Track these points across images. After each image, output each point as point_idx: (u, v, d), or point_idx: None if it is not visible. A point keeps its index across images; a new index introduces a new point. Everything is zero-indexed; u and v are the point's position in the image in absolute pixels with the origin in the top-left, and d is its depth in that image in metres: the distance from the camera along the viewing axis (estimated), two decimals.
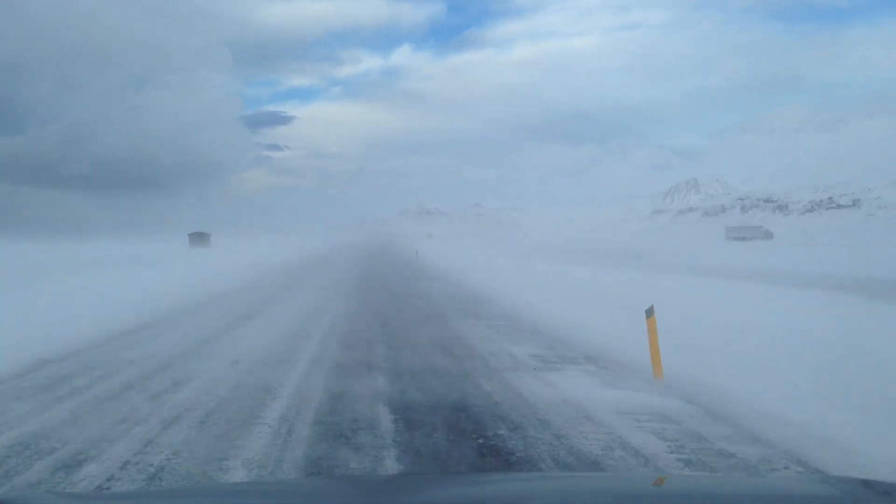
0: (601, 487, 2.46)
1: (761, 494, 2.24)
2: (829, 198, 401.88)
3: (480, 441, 5.12)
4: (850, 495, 2.06)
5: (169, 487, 3.97)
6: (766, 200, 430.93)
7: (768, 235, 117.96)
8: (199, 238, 69.08)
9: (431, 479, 3.43)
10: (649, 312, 7.63)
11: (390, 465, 4.62)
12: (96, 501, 2.75)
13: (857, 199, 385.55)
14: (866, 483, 2.14)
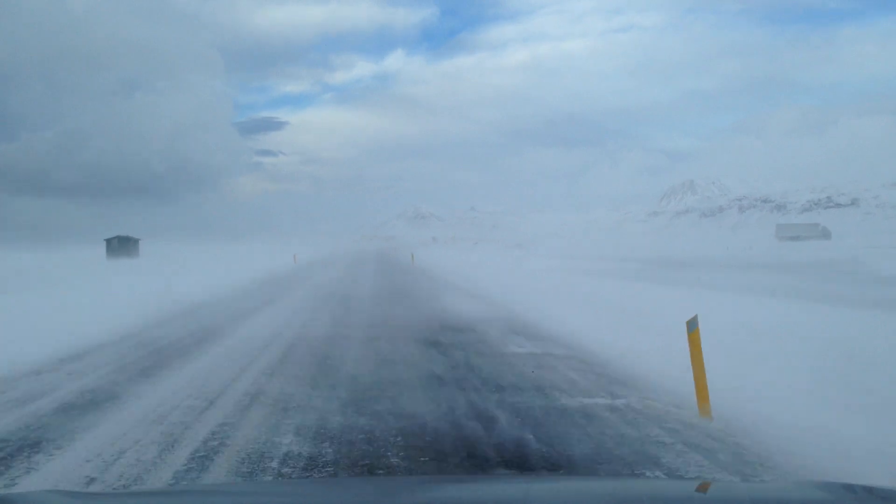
0: (602, 491, 2.45)
1: (761, 500, 2.21)
2: (828, 197, 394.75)
3: None
4: (850, 502, 2.04)
5: (169, 488, 3.81)
6: (764, 200, 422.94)
7: (826, 234, 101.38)
8: (120, 245, 47.77)
9: (432, 481, 3.34)
10: None
11: None
12: (98, 501, 2.59)
13: (856, 199, 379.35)
14: (868, 490, 2.05)
